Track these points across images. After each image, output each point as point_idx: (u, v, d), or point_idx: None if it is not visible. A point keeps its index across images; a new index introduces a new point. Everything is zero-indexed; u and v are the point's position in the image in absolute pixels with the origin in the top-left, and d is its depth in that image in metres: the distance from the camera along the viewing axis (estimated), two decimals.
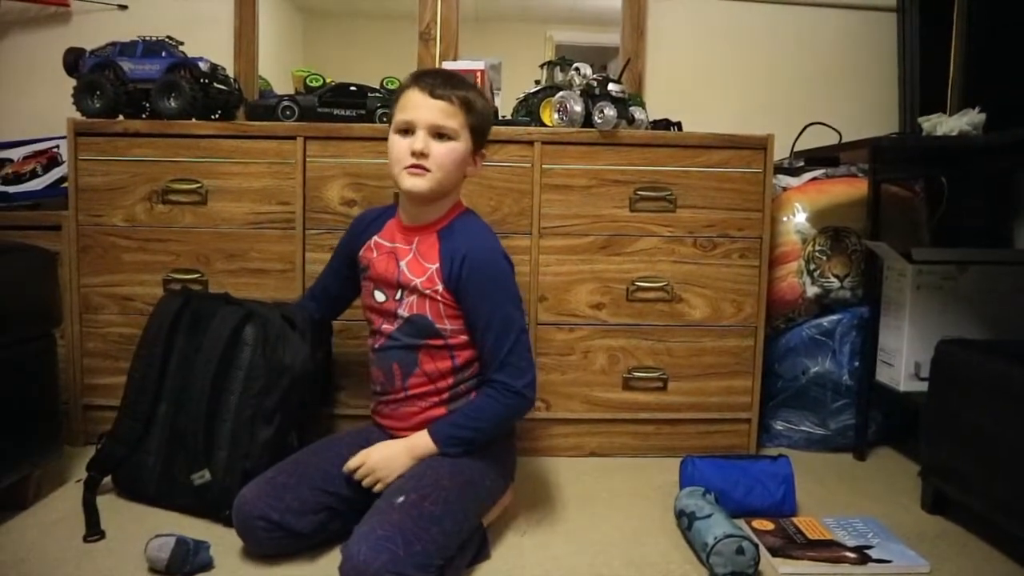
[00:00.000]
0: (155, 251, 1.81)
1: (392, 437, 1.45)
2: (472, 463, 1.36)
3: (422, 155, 1.35)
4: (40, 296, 1.53)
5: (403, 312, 1.41)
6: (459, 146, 1.38)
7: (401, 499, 1.23)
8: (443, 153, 1.36)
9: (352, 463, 1.35)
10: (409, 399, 1.43)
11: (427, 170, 1.36)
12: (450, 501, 1.26)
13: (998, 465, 1.38)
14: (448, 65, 2.01)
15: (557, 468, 1.82)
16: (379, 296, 1.46)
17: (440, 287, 1.38)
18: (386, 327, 1.44)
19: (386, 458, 1.35)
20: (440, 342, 1.40)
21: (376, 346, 1.48)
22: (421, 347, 1.41)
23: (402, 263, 1.42)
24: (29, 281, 1.50)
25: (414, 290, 1.39)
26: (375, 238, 1.50)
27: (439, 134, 1.36)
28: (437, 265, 1.38)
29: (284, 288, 1.80)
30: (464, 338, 1.41)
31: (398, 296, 1.42)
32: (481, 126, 1.42)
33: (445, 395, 1.43)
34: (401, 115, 1.38)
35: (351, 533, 1.19)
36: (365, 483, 1.34)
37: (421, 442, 1.36)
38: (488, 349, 1.38)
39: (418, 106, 1.36)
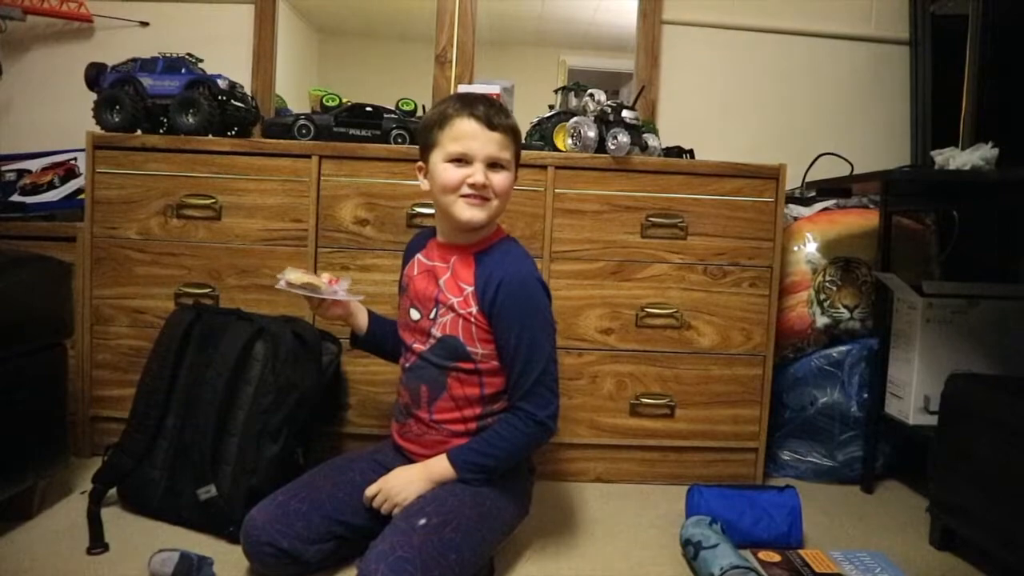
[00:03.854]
0: (168, 265, 1.82)
1: (410, 462, 1.43)
2: (492, 494, 1.35)
3: (483, 187, 1.35)
4: (53, 307, 1.54)
5: (436, 332, 1.39)
6: (512, 176, 1.40)
7: (423, 521, 1.22)
8: (501, 184, 1.37)
9: (370, 491, 1.35)
10: (435, 425, 1.41)
11: (487, 200, 1.36)
12: (470, 530, 1.25)
13: (1007, 502, 1.37)
14: (463, 88, 2.03)
15: (562, 493, 1.81)
16: (414, 314, 1.44)
17: (475, 309, 1.36)
18: (418, 346, 1.43)
19: (403, 482, 1.34)
20: (470, 366, 1.38)
21: (407, 365, 1.46)
22: (451, 370, 1.38)
23: (441, 281, 1.41)
24: (43, 292, 1.51)
25: (450, 309, 1.38)
26: (418, 256, 1.50)
27: (493, 164, 1.36)
28: (472, 288, 1.37)
29: (294, 305, 1.80)
30: (495, 364, 1.38)
31: (432, 315, 1.40)
32: (519, 153, 1.44)
33: (472, 425, 1.40)
34: (456, 146, 1.34)
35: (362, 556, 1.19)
36: (383, 510, 1.33)
37: (439, 466, 1.35)
38: (515, 376, 1.36)
39: (476, 137, 1.34)
